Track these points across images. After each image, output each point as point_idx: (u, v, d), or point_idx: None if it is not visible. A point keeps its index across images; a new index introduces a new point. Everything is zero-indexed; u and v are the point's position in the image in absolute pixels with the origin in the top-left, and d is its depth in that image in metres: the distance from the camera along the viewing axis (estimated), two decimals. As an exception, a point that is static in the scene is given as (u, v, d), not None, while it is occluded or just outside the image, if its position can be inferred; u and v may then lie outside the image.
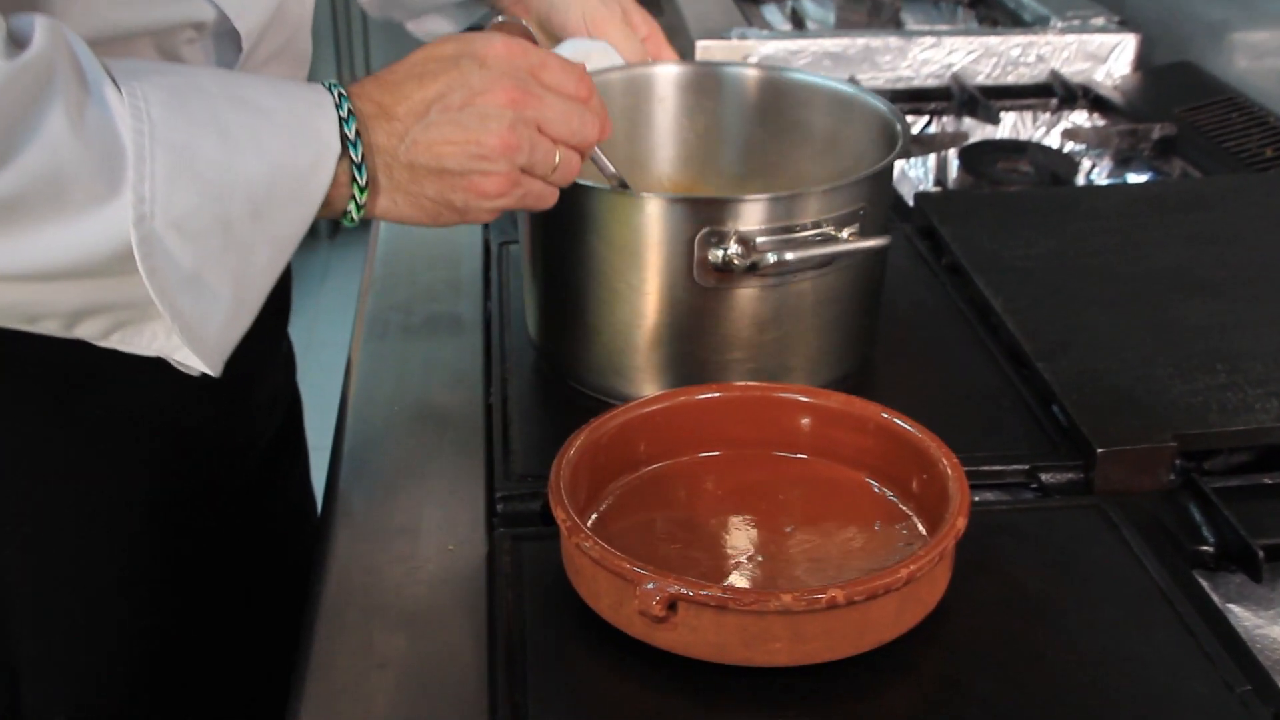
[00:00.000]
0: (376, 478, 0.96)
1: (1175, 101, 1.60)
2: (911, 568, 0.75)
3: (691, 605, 0.74)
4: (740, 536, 0.85)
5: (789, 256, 0.93)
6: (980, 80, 1.69)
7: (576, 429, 0.86)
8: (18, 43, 0.70)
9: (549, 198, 0.87)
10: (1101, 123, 1.64)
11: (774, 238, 0.93)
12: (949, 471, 0.82)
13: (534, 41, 0.85)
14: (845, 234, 0.95)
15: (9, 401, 0.88)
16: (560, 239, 1.00)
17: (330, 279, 3.61)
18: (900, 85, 1.68)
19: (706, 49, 1.65)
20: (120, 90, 0.73)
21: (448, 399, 1.05)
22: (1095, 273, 1.17)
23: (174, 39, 0.87)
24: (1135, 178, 1.54)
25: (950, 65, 1.69)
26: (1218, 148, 1.48)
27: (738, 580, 0.81)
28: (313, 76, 0.94)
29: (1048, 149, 1.57)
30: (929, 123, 1.66)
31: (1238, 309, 1.11)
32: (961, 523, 0.78)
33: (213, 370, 0.79)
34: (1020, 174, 1.49)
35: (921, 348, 1.11)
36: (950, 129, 1.64)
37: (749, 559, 0.83)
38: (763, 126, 1.14)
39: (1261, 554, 0.85)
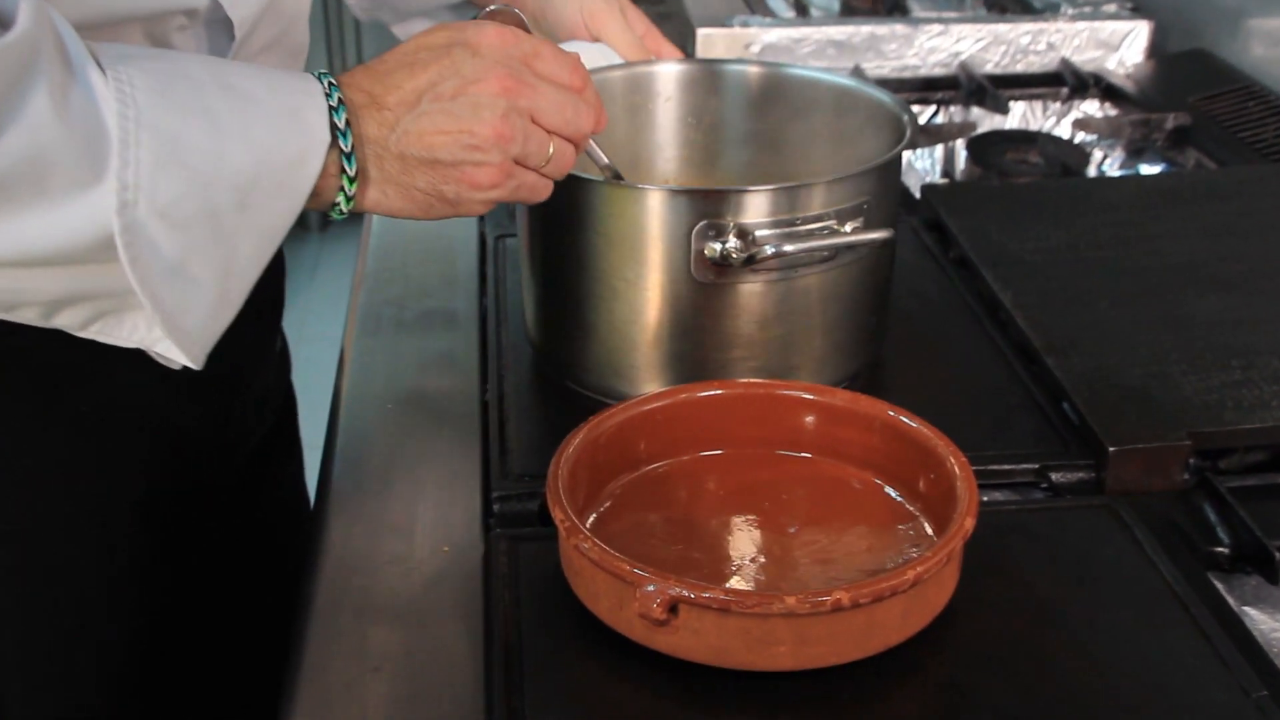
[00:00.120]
0: (370, 477, 0.96)
1: (1189, 90, 1.60)
2: (918, 569, 0.75)
3: (693, 608, 0.74)
4: (743, 537, 0.86)
5: (788, 249, 0.93)
6: (989, 69, 1.69)
7: (575, 427, 0.86)
8: (2, 23, 0.70)
9: (543, 190, 0.87)
10: (1113, 112, 1.64)
11: (773, 231, 0.93)
12: (957, 471, 0.82)
13: (527, 31, 0.85)
14: (849, 227, 0.95)
15: None
16: (557, 232, 1.00)
17: (321, 272, 3.61)
18: (906, 74, 1.68)
19: (708, 37, 1.65)
20: (106, 74, 0.73)
21: (443, 396, 1.05)
22: (1107, 267, 1.17)
23: (165, 25, 0.87)
24: (1148, 169, 1.55)
25: (958, 53, 1.69)
26: (1233, 138, 1.49)
27: (740, 582, 0.81)
28: (305, 67, 0.94)
29: (1058, 139, 1.57)
30: (936, 113, 1.66)
31: (1253, 303, 1.11)
32: (970, 523, 0.78)
33: (194, 364, 0.79)
34: (1030, 165, 1.49)
35: (928, 344, 1.11)
36: (958, 119, 1.65)
37: (752, 560, 0.83)
38: (766, 124, 1.14)
39: (1278, 555, 0.85)
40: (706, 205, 0.93)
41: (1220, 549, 0.88)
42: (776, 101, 1.14)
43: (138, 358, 0.80)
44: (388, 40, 1.10)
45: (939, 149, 1.59)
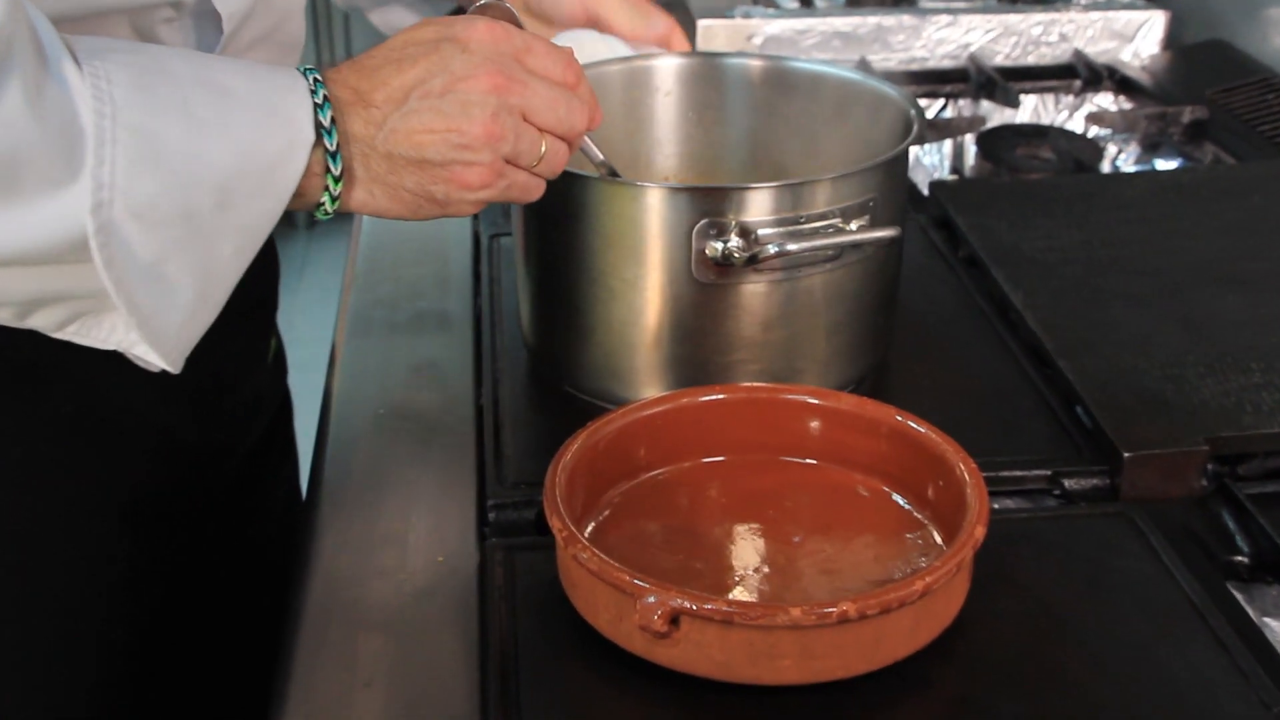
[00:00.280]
0: (361, 485, 0.96)
1: (1207, 82, 1.60)
2: (927, 580, 0.75)
3: (695, 620, 0.74)
4: (746, 547, 0.86)
5: (791, 248, 0.93)
6: (999, 61, 1.70)
7: (573, 433, 0.87)
8: None
9: (535, 190, 0.87)
10: (1128, 105, 1.65)
11: (776, 229, 0.93)
12: (966, 477, 0.83)
13: (519, 25, 0.86)
14: (854, 226, 0.95)
15: None
16: (553, 232, 1.00)
17: (309, 272, 3.61)
18: (914, 66, 1.68)
19: (709, 29, 1.65)
20: (82, 69, 0.73)
21: (436, 401, 1.05)
22: (1121, 265, 1.18)
23: (150, 18, 0.87)
24: (1164, 164, 1.55)
25: (967, 45, 1.70)
26: (1252, 132, 1.49)
27: (744, 593, 0.82)
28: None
29: (1071, 134, 1.57)
30: (944, 107, 1.66)
31: (1273, 303, 1.11)
32: (980, 532, 0.79)
33: (172, 368, 0.79)
34: (1041, 161, 1.49)
35: (936, 346, 1.11)
36: (967, 113, 1.65)
37: (755, 571, 0.84)
38: (770, 119, 1.14)
39: (1298, 564, 0.86)
40: (708, 203, 0.93)
41: (1239, 558, 0.88)
42: (780, 96, 1.14)
43: (120, 358, 0.81)
44: (377, 34, 1.10)
45: (947, 144, 1.59)
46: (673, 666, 0.76)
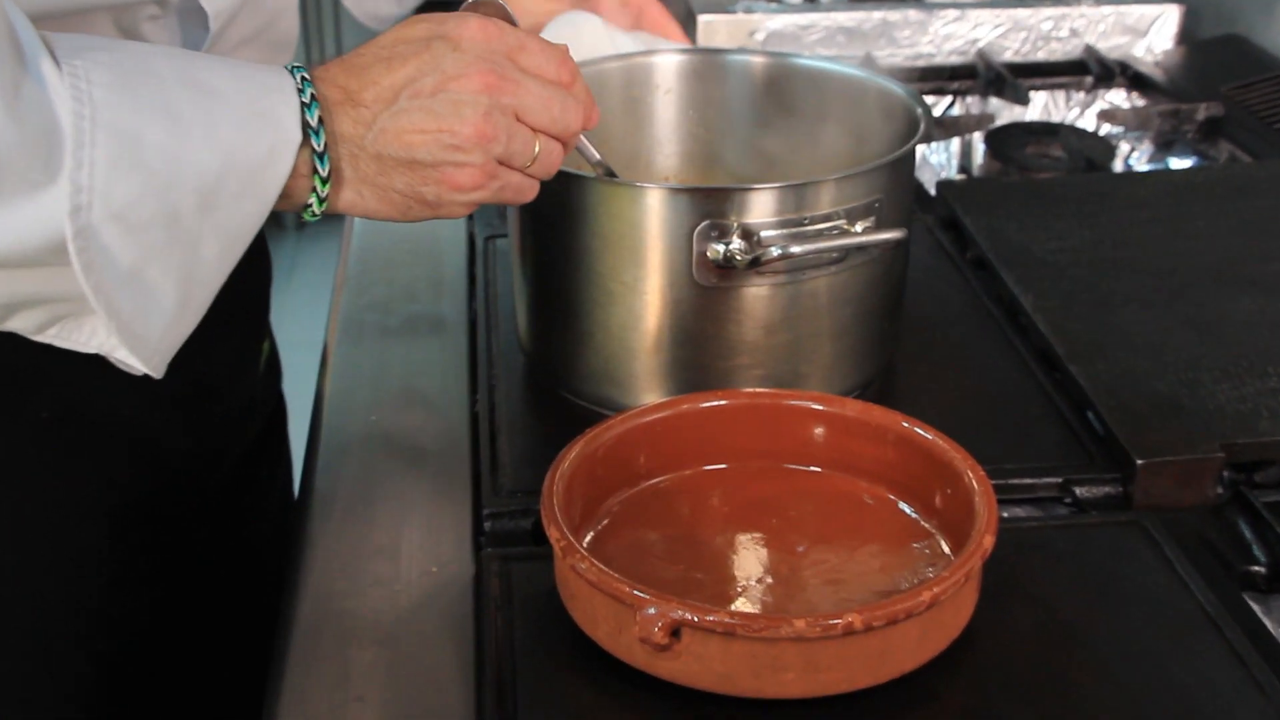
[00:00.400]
0: (353, 494, 0.97)
1: (1222, 79, 1.60)
2: (935, 590, 0.75)
3: (696, 632, 0.74)
4: (749, 557, 0.86)
5: (795, 250, 0.93)
6: (1008, 57, 1.70)
7: (571, 440, 0.87)
8: None
9: (528, 191, 0.87)
10: (1141, 103, 1.65)
11: (779, 231, 0.93)
12: (975, 485, 0.83)
13: (512, 22, 0.86)
14: (859, 227, 0.95)
15: None
16: (551, 233, 1.00)
17: (299, 274, 3.61)
18: (921, 63, 1.68)
19: (709, 24, 1.65)
20: (61, 68, 0.73)
21: (430, 407, 1.05)
22: (1134, 267, 1.18)
23: (135, 15, 0.87)
24: (1178, 163, 1.55)
25: (975, 40, 1.70)
26: (1269, 129, 1.49)
27: (746, 604, 0.82)
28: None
29: (1082, 132, 1.57)
30: (952, 104, 1.66)
31: (1290, 306, 1.12)
32: (989, 541, 0.79)
33: (154, 373, 0.79)
34: (1052, 159, 1.50)
35: (944, 350, 1.11)
36: (975, 111, 1.65)
37: (758, 581, 0.84)
38: (772, 117, 1.14)
39: (1316, 574, 0.86)
40: (709, 204, 0.93)
41: (1256, 568, 0.88)
42: (783, 93, 1.14)
43: (104, 361, 0.81)
44: (368, 31, 1.10)
45: (955, 143, 1.59)
46: (674, 680, 0.76)
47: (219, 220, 0.77)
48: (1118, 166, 1.54)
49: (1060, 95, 1.67)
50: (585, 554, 0.78)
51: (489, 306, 1.17)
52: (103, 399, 0.93)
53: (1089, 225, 1.24)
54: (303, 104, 0.80)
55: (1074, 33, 1.71)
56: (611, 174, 0.97)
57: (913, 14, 1.69)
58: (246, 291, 1.05)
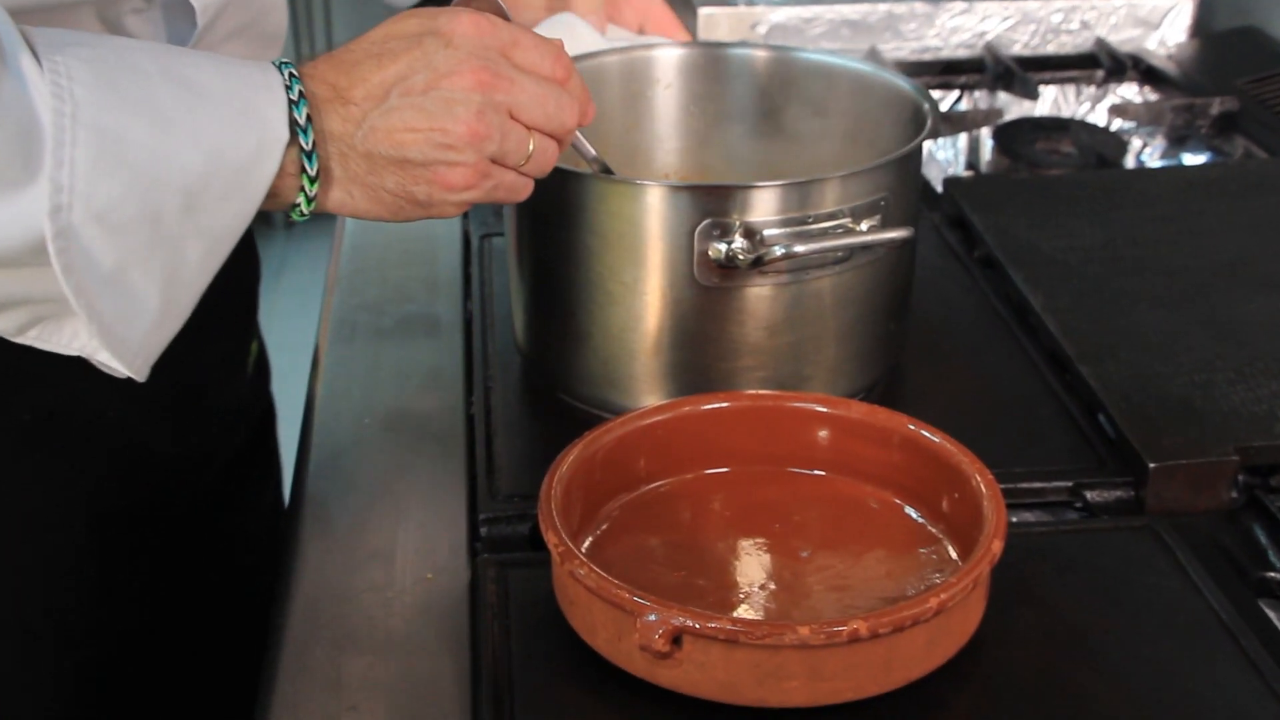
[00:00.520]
0: (345, 498, 0.97)
1: (1237, 72, 1.60)
2: (942, 597, 0.75)
3: (698, 639, 0.74)
4: (751, 562, 0.86)
5: (799, 249, 0.93)
6: (1017, 50, 1.70)
7: (569, 443, 0.87)
8: None
9: (522, 190, 0.87)
10: (1154, 97, 1.65)
11: (783, 230, 0.93)
12: (983, 489, 0.83)
13: (505, 17, 0.86)
14: (865, 226, 0.95)
15: None
16: (548, 232, 1.00)
17: (289, 274, 3.61)
18: (927, 57, 1.69)
19: (711, 17, 1.66)
20: (41, 64, 0.73)
21: (424, 410, 1.06)
22: (1146, 266, 1.18)
23: (119, 8, 0.87)
24: (1192, 159, 1.55)
25: (983, 33, 1.70)
26: (1284, 125, 1.49)
27: (749, 611, 0.82)
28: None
29: (1093, 127, 1.57)
30: (959, 99, 1.67)
31: (1306, 306, 1.12)
32: (997, 546, 0.79)
33: (137, 376, 0.79)
34: (1062, 155, 1.50)
35: (951, 351, 1.12)
36: (983, 105, 1.65)
37: (761, 587, 0.84)
38: (775, 113, 1.15)
39: (1333, 580, 0.86)
40: (710, 202, 0.94)
41: (1272, 574, 0.88)
42: (786, 88, 1.14)
43: (86, 363, 0.81)
44: (359, 25, 1.11)
45: (963, 139, 1.60)
46: (675, 688, 0.76)
47: (203, 221, 0.78)
48: (1130, 163, 1.54)
49: (1071, 89, 1.68)
50: (584, 559, 0.78)
51: (485, 307, 1.17)
52: (86, 402, 0.94)
53: (1100, 223, 1.24)
54: (290, 101, 0.80)
55: (1085, 25, 1.71)
56: (608, 171, 0.97)
57: (919, 6, 1.69)
58: (234, 291, 1.05)
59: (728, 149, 1.17)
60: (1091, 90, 1.68)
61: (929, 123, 1.02)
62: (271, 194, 0.80)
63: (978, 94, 1.66)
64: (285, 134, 0.79)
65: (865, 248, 0.97)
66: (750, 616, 0.81)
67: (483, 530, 0.93)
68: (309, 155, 0.80)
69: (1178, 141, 1.58)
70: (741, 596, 0.83)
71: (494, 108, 0.82)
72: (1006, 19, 1.70)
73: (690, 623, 0.74)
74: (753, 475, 0.92)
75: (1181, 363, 1.04)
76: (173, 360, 0.81)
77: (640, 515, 0.89)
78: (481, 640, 0.83)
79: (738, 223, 0.93)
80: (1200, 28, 1.72)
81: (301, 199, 0.82)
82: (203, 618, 1.09)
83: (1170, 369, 1.03)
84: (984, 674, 0.79)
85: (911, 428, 0.89)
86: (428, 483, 0.98)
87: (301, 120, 0.80)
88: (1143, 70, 1.67)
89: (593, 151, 0.95)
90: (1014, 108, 1.63)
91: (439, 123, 0.81)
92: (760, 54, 1.16)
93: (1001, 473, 0.86)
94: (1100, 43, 1.70)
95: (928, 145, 1.48)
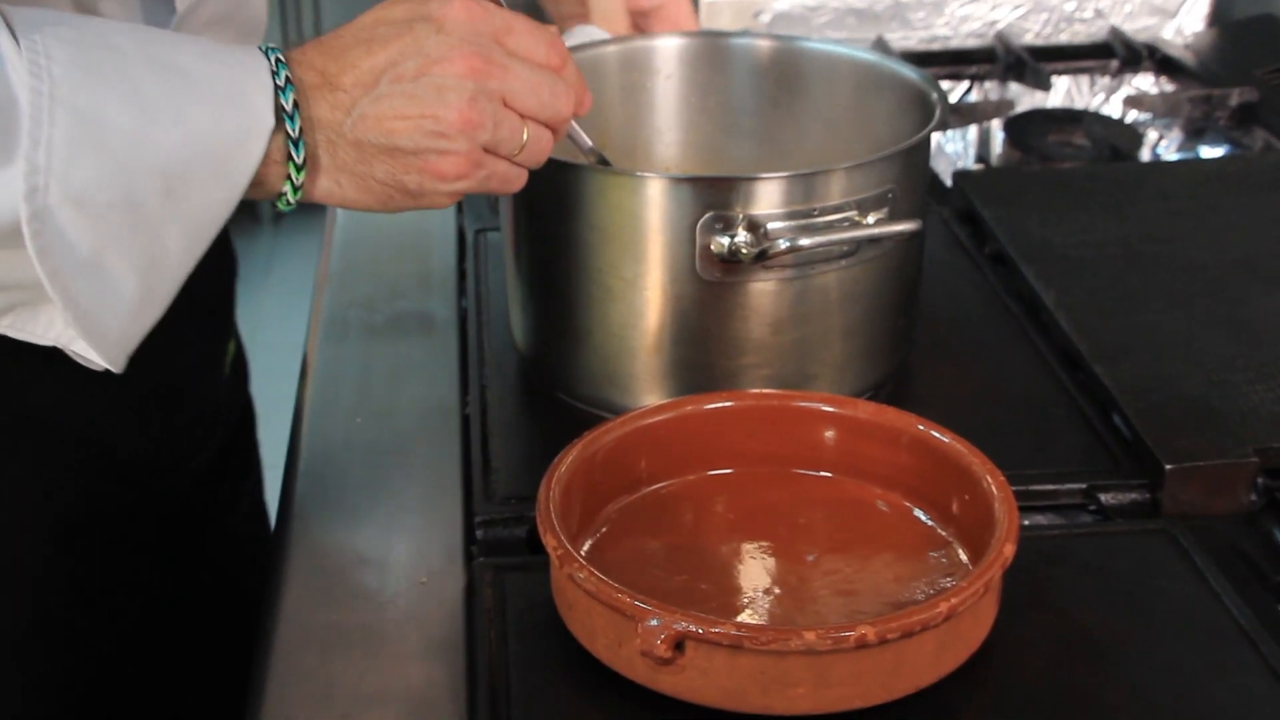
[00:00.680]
0: (337, 501, 0.97)
1: (1257, 62, 1.60)
2: (952, 602, 0.75)
3: (701, 644, 0.74)
4: (755, 566, 0.86)
5: (804, 243, 0.93)
6: (1029, 39, 1.70)
7: (568, 443, 0.87)
8: None
9: (516, 180, 0.87)
10: (1170, 88, 1.65)
11: (787, 223, 0.94)
12: (994, 491, 0.83)
13: (498, 3, 0.86)
14: (871, 219, 0.95)
15: None
16: (545, 226, 1.01)
17: (276, 270, 3.61)
18: (936, 46, 1.69)
19: (713, 6, 1.66)
20: (19, 43, 0.73)
21: (418, 410, 1.06)
22: (1162, 262, 1.18)
23: None
24: (1209, 151, 1.55)
25: (994, 22, 1.70)
26: (1304, 117, 1.50)
27: (753, 616, 0.82)
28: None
29: (1107, 119, 1.58)
30: (969, 90, 1.67)
31: (1327, 303, 1.12)
32: (1009, 550, 0.79)
33: (113, 366, 0.79)
34: (1075, 148, 1.50)
35: (961, 349, 1.12)
36: (994, 97, 1.65)
37: (766, 592, 0.84)
38: (779, 104, 1.15)
39: (1354, 585, 0.86)
40: (713, 195, 0.94)
41: (1291, 578, 0.89)
42: (790, 78, 1.15)
43: (58, 360, 0.81)
44: (348, 11, 1.11)
45: (973, 131, 1.60)
46: (677, 695, 0.77)
47: (184, 207, 0.78)
48: (1145, 156, 1.54)
49: (1084, 80, 1.68)
50: (583, 563, 0.78)
51: (480, 304, 1.17)
52: (53, 401, 0.93)
53: (1114, 218, 1.24)
54: (277, 87, 0.80)
55: (1099, 13, 1.71)
56: (604, 162, 0.97)
57: (928, -6, 1.69)
58: (209, 287, 1.05)
59: (730, 141, 1.17)
60: (1106, 81, 1.68)
61: (938, 114, 1.02)
62: (257, 182, 0.81)
63: (988, 85, 1.66)
64: (271, 120, 0.79)
65: (872, 241, 0.97)
66: (755, 621, 0.81)
67: (479, 533, 0.93)
68: (296, 142, 0.80)
69: (1195, 134, 1.58)
70: (745, 601, 0.83)
71: (487, 95, 0.82)
72: (1018, 7, 1.70)
73: (693, 628, 0.74)
74: (757, 477, 0.92)
75: (1198, 361, 1.04)
76: (147, 359, 0.81)
77: (641, 518, 0.89)
78: (478, 646, 0.83)
79: (741, 216, 0.93)
80: (1219, 16, 1.72)
81: (288, 187, 0.82)
82: (185, 625, 1.09)
83: (1187, 368, 1.04)
84: (995, 681, 0.80)
85: (921, 428, 0.89)
86: (422, 484, 0.98)
87: (288, 106, 0.80)
88: (1159, 60, 1.67)
89: (589, 142, 0.95)
90: (1026, 99, 1.63)
91: (430, 110, 0.81)
92: (764, 44, 1.16)
93: (1013, 474, 0.86)
94: (1115, 31, 1.70)
95: (936, 138, 1.49)
